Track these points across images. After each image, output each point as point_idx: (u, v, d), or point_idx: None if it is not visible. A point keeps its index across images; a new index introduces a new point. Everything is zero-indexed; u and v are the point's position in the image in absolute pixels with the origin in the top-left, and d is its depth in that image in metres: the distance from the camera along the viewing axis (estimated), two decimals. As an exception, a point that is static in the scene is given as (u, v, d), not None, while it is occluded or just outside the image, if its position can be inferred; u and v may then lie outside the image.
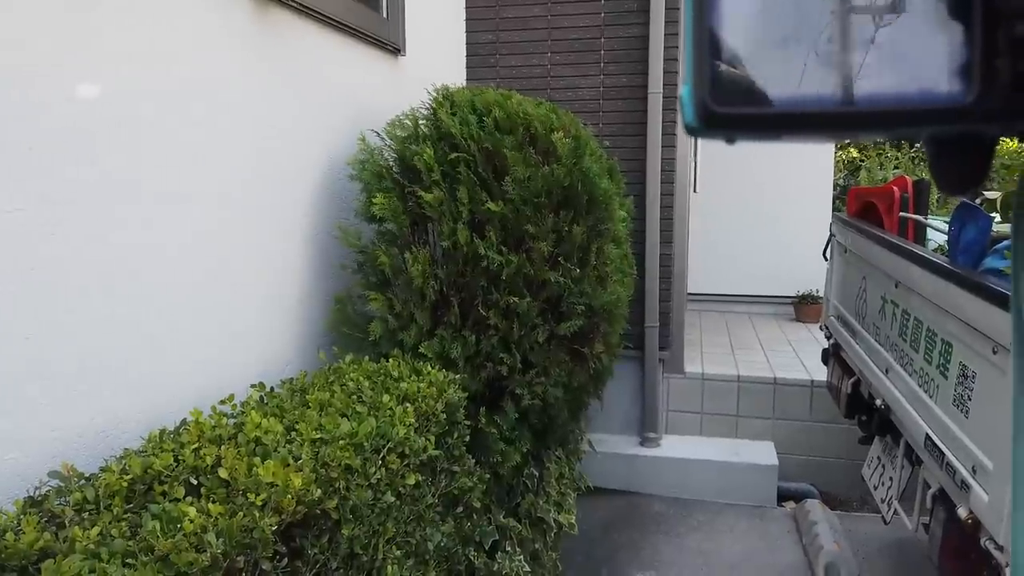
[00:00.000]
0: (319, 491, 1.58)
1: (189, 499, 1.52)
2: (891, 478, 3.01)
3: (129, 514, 1.44)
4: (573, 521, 3.49)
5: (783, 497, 4.62)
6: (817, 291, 6.83)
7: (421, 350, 2.70)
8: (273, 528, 1.40)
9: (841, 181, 8.14)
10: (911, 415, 2.54)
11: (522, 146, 2.85)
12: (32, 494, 1.49)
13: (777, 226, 7.10)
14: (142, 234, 2.08)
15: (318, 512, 1.57)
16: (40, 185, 1.75)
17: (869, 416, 3.32)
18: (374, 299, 2.81)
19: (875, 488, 3.16)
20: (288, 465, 1.60)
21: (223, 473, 1.56)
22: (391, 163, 2.99)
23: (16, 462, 1.71)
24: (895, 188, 3.32)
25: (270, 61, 2.67)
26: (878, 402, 2.92)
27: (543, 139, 2.92)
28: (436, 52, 4.39)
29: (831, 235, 3.93)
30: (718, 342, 5.91)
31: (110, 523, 1.38)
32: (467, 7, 4.83)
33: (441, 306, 2.80)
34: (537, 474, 3.38)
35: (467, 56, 4.89)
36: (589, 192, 2.93)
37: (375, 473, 1.78)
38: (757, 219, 7.16)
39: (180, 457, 1.67)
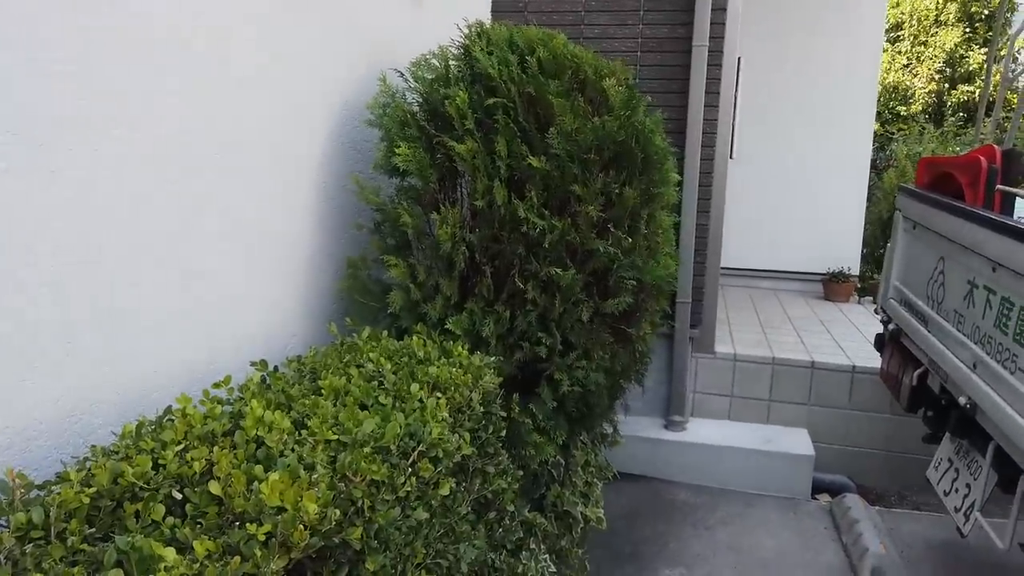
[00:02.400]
0: (338, 513, 1.23)
1: (171, 520, 1.17)
2: (968, 485, 2.68)
3: (89, 545, 1.09)
4: (602, 515, 3.17)
5: (817, 489, 4.30)
6: (849, 269, 6.49)
7: (447, 326, 2.34)
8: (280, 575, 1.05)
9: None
10: (1015, 420, 2.19)
11: (569, 93, 2.46)
12: (-38, 513, 1.13)
13: (808, 199, 6.70)
14: (115, 173, 1.70)
15: (336, 542, 1.22)
16: None
17: (939, 412, 2.99)
18: (393, 265, 2.44)
19: (945, 494, 2.83)
20: (298, 478, 1.24)
21: (215, 488, 1.20)
22: (416, 108, 2.60)
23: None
24: (981, 158, 2.93)
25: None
26: (961, 400, 2.57)
27: (593, 86, 2.52)
28: (461, -10, 3.95)
29: (896, 209, 3.55)
30: (746, 320, 5.55)
31: (62, 561, 1.03)
32: (495, -57, 4.38)
33: (471, 276, 2.43)
34: (563, 462, 3.04)
35: (492, -1, 4.46)
36: (644, 150, 2.55)
37: (404, 485, 1.43)
38: (787, 191, 6.76)
39: (161, 461, 1.31)
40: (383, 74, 2.71)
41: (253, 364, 1.90)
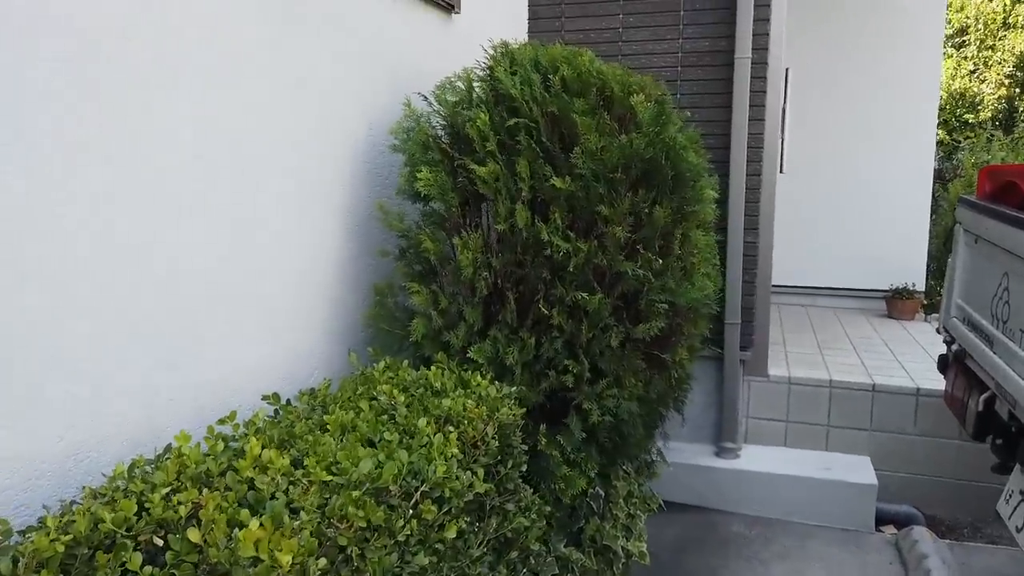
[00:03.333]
0: (324, 562, 1.15)
1: (148, 570, 1.12)
2: (1044, 522, 2.45)
3: (57, 597, 1.04)
4: (645, 550, 3.02)
5: (881, 520, 4.04)
6: (914, 284, 6.18)
7: (470, 354, 2.26)
8: (245, 635, 0.98)
9: (936, 165, 7.38)
10: (1091, 453, 1.98)
11: (595, 111, 2.37)
12: (-64, 561, 1.10)
13: (869, 213, 6.42)
14: (134, 208, 1.68)
15: (320, 593, 1.14)
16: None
17: (1008, 441, 2.75)
18: (415, 292, 2.38)
19: (1018, 530, 2.60)
20: (282, 525, 1.17)
21: (193, 535, 1.14)
22: (440, 132, 2.55)
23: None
24: (1048, 165, 2.72)
25: (301, 7, 2.26)
26: (1032, 429, 2.36)
27: (620, 103, 2.43)
28: (494, 12, 3.92)
29: (956, 222, 3.33)
30: (802, 340, 5.31)
31: (22, 617, 0.98)
32: (530, -37, 4.35)
33: (495, 301, 2.35)
34: (603, 494, 2.91)
35: (529, 20, 4.41)
36: (674, 167, 2.44)
37: (404, 528, 1.35)
38: (846, 203, 6.48)
39: (147, 504, 1.26)
40: (407, 98, 2.68)
41: (265, 398, 1.86)
